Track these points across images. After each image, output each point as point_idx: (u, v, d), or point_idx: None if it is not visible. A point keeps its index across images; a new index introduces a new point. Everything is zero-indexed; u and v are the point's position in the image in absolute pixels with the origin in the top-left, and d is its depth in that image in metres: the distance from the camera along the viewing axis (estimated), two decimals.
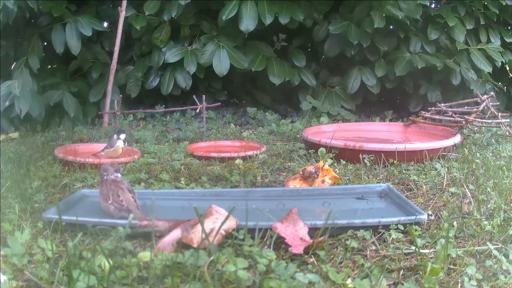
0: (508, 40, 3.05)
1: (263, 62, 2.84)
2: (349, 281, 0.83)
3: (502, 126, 2.09)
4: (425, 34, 2.95)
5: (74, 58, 3.01)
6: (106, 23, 3.24)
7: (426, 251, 0.97)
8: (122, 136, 1.73)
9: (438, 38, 2.94)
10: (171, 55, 2.78)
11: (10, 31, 2.82)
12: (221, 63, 2.73)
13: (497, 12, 2.92)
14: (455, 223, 1.10)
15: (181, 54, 2.80)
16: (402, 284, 0.84)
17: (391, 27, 2.91)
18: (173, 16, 2.75)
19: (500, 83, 3.20)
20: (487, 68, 2.84)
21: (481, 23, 2.97)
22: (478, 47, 2.95)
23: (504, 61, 2.93)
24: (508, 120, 2.20)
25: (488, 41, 3.01)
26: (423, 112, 2.25)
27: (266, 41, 3.04)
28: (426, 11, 2.96)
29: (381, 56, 2.95)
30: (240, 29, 2.69)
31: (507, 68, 3.34)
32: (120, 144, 1.72)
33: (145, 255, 0.89)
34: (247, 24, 2.66)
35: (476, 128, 2.32)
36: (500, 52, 2.92)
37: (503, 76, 3.18)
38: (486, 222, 1.10)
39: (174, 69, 2.87)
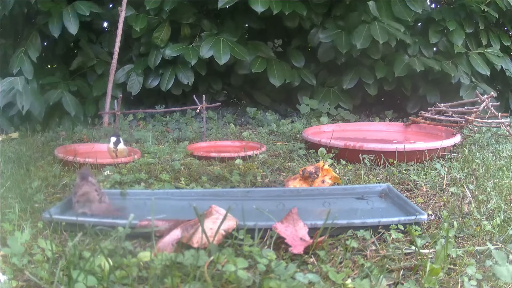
0: (506, 43, 3.04)
1: (263, 64, 2.84)
2: (349, 281, 0.83)
3: (502, 126, 2.09)
4: (424, 37, 2.96)
5: (75, 57, 3.01)
6: (106, 23, 3.25)
7: (426, 251, 0.97)
8: (113, 139, 1.75)
9: (437, 41, 2.94)
10: (171, 50, 2.77)
11: (9, 29, 2.82)
12: (221, 53, 2.71)
13: (497, 16, 2.92)
14: (455, 223, 1.10)
15: (181, 50, 2.79)
16: (402, 284, 0.84)
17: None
18: (166, 10, 2.74)
19: (499, 87, 3.20)
20: (485, 72, 2.84)
21: (480, 28, 2.97)
22: (478, 51, 2.95)
23: (503, 66, 2.93)
24: (508, 120, 2.20)
25: (488, 45, 3.01)
26: (423, 112, 2.25)
27: (266, 42, 3.04)
28: (427, 14, 2.97)
29: (380, 58, 2.94)
30: (240, 26, 2.65)
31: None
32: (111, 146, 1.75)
33: (145, 255, 0.89)
34: (258, 7, 2.64)
35: (476, 128, 2.32)
36: (499, 56, 2.91)
37: (502, 80, 3.17)
38: (486, 222, 1.10)
39: (175, 67, 2.86)
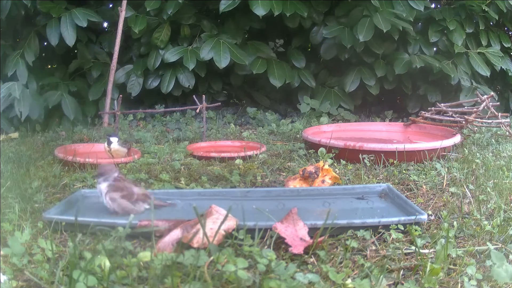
0: (506, 44, 3.04)
1: (263, 65, 2.84)
2: (349, 281, 0.83)
3: (502, 126, 2.09)
4: (424, 37, 2.96)
5: (74, 58, 3.01)
6: (106, 23, 3.24)
7: (426, 251, 0.97)
8: (110, 138, 1.76)
9: (438, 41, 2.94)
10: (171, 54, 2.78)
11: (8, 31, 2.81)
12: (221, 57, 2.69)
13: (497, 17, 2.91)
14: (455, 223, 1.10)
15: (181, 53, 2.79)
16: (402, 284, 0.84)
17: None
18: (169, 13, 2.73)
19: (499, 87, 3.19)
20: (485, 72, 2.83)
21: (480, 28, 2.97)
22: (478, 51, 2.95)
23: (503, 67, 2.93)
24: (508, 120, 2.20)
25: (489, 45, 3.01)
26: (423, 112, 2.25)
27: (266, 42, 3.03)
28: (427, 14, 2.97)
29: (380, 57, 2.95)
30: (240, 26, 2.66)
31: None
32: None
33: (145, 255, 0.89)
34: (259, 10, 2.63)
35: (476, 128, 2.32)
36: (499, 56, 2.91)
37: (502, 80, 3.17)
38: (486, 222, 1.10)
39: (175, 69, 2.86)
